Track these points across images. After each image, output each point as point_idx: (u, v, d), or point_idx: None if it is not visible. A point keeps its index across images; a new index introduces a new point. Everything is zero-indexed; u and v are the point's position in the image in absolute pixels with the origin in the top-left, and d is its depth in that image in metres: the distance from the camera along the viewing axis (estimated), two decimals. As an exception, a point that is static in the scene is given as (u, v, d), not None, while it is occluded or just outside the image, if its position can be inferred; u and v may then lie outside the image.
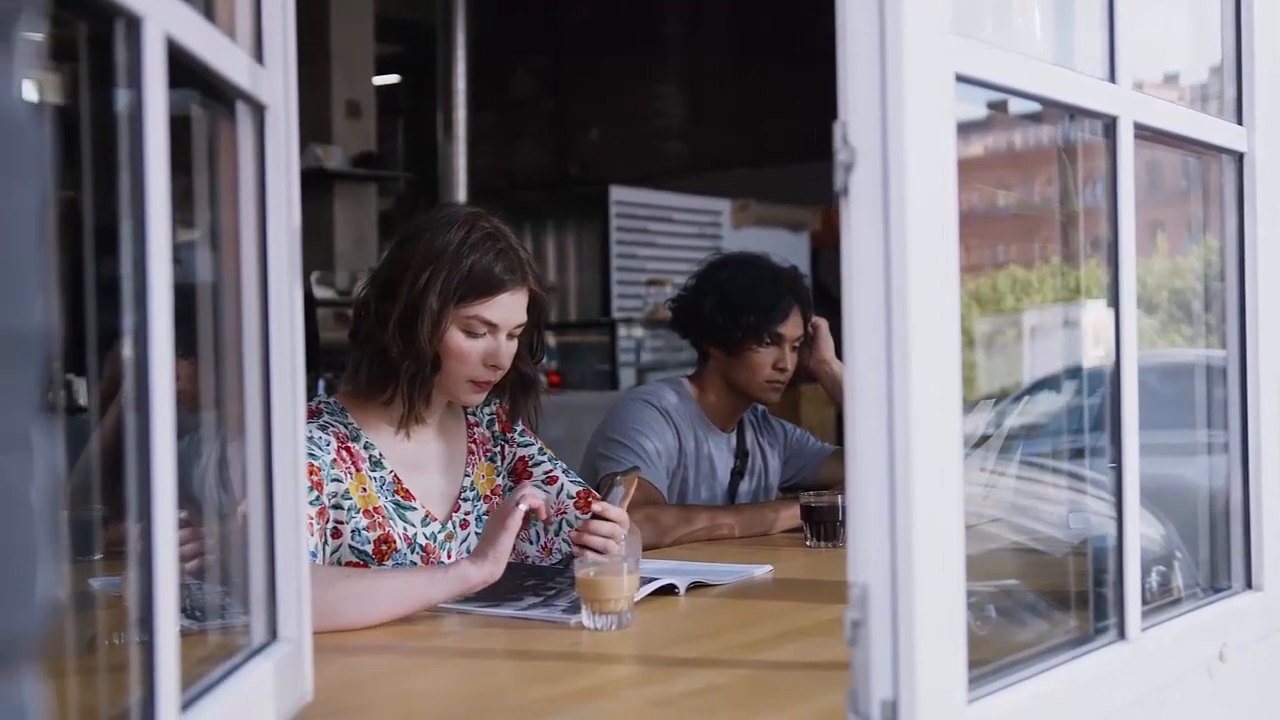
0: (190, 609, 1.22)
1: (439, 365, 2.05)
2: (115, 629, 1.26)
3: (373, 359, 2.06)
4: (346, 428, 2.08)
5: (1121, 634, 1.41)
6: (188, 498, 1.06)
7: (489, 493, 2.22)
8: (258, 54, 1.25)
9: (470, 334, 2.04)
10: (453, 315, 2.03)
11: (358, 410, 2.11)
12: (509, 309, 2.06)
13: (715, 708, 1.41)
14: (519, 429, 2.28)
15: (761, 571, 2.22)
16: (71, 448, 1.63)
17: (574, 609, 1.81)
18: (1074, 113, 1.44)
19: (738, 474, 2.96)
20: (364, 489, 2.04)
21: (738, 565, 2.23)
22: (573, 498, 2.22)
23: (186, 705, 1.01)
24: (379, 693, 1.51)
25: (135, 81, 0.91)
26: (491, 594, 1.96)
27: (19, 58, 0.54)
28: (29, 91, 0.56)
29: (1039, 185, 1.88)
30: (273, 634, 1.28)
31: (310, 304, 4.79)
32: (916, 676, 1.07)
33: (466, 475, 2.19)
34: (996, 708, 1.19)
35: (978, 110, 1.31)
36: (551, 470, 2.25)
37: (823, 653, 1.62)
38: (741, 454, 2.98)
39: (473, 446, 2.22)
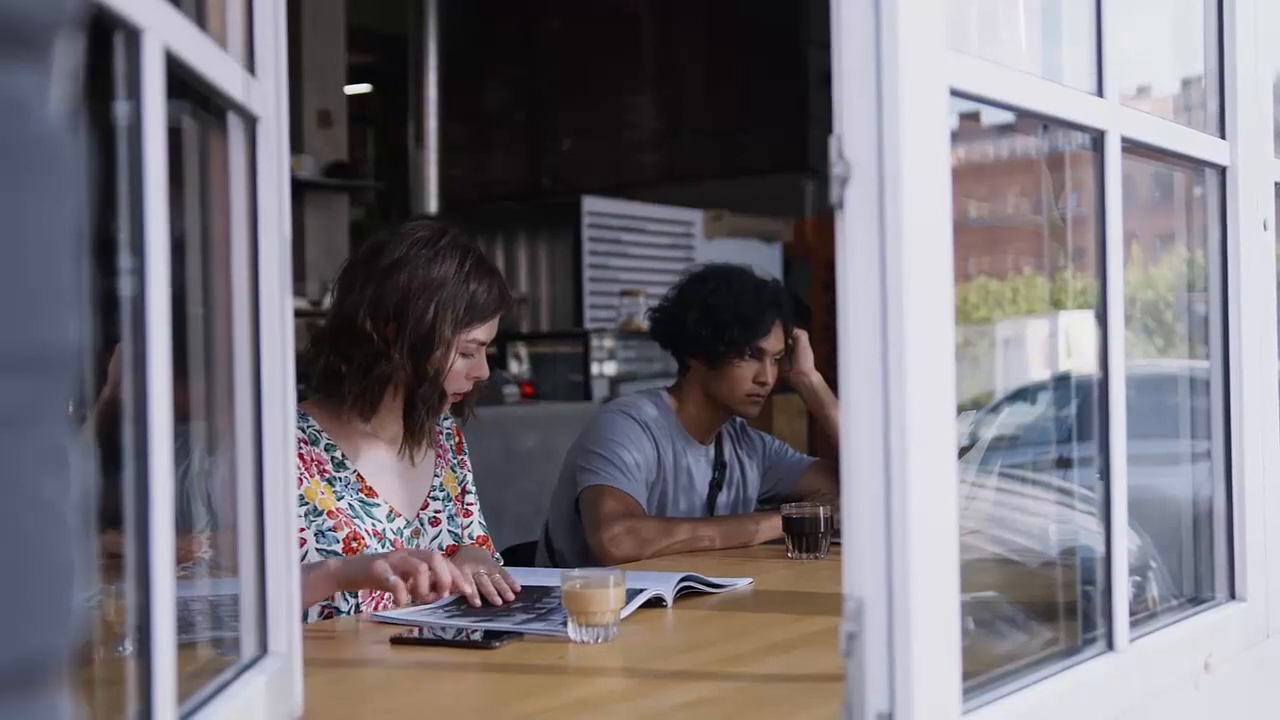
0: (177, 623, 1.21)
1: (445, 393, 2.14)
2: (100, 643, 1.25)
3: (377, 380, 2.11)
4: (305, 431, 2.12)
5: (1110, 645, 1.41)
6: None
7: (454, 496, 2.31)
8: (250, 65, 1.24)
9: (465, 355, 2.16)
10: (457, 342, 2.13)
11: (325, 416, 2.16)
12: (495, 327, 2.20)
13: (707, 720, 1.41)
14: (465, 452, 2.37)
15: (743, 584, 2.22)
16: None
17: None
18: (1064, 126, 1.45)
19: (716, 486, 2.96)
20: (323, 491, 2.09)
21: (720, 579, 2.22)
22: (474, 539, 2.34)
23: (181, 722, 1.00)
24: (367, 707, 1.50)
25: (134, 93, 0.90)
26: (484, 611, 1.95)
27: (56, 75, 0.54)
28: (65, 108, 0.56)
29: (1011, 197, 1.89)
30: (263, 648, 1.26)
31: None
32: (913, 688, 1.07)
33: (436, 475, 2.27)
34: (991, 719, 1.19)
35: (951, 121, 1.31)
36: (473, 504, 2.37)
37: (811, 665, 1.62)
38: (720, 466, 2.97)
39: (440, 450, 2.30)
